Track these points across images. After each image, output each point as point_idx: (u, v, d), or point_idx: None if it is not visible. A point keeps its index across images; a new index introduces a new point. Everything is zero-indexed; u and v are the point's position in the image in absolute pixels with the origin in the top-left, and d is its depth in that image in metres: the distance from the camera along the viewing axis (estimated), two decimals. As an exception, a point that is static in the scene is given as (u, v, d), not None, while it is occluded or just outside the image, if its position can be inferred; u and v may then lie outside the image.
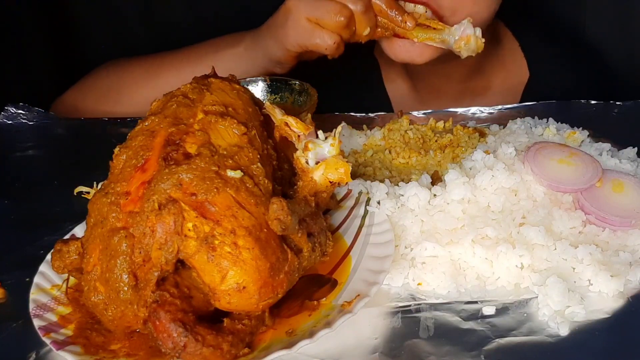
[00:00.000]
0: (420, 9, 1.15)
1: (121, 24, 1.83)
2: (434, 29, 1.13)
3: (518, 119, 1.17)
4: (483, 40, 1.12)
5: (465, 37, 1.11)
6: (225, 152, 0.78)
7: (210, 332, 0.69)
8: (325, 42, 1.11)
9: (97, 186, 1.09)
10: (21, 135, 1.32)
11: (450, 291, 0.84)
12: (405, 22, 1.12)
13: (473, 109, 1.29)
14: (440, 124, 1.23)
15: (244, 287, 0.71)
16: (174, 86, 0.87)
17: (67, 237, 0.89)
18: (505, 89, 1.45)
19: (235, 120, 0.81)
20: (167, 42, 1.86)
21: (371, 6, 1.12)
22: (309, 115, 0.97)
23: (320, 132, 0.86)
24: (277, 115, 0.87)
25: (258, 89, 1.18)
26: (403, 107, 1.46)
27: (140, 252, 0.72)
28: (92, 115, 1.39)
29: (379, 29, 1.14)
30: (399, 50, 1.20)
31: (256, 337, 0.74)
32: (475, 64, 1.41)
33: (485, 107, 1.29)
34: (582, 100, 1.29)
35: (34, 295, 0.82)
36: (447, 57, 1.21)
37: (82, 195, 1.09)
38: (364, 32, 1.12)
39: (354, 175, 1.02)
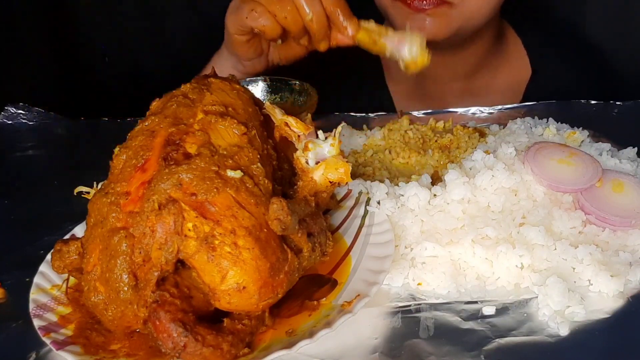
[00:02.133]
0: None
1: (121, 24, 1.83)
2: (379, 46, 1.07)
3: (518, 119, 1.17)
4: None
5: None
6: (225, 152, 0.78)
7: (210, 332, 0.69)
8: (244, 13, 1.07)
9: (97, 186, 1.09)
10: (21, 135, 1.32)
11: (450, 291, 0.84)
12: (347, 28, 1.07)
13: (473, 109, 1.29)
14: (440, 124, 1.23)
15: (244, 287, 0.71)
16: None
17: (67, 237, 0.89)
18: (509, 86, 1.46)
19: (235, 120, 0.81)
20: (167, 42, 1.87)
21: None
22: (309, 115, 0.97)
23: (320, 132, 0.86)
24: (277, 115, 0.87)
25: (258, 89, 1.18)
26: (406, 105, 1.46)
27: (140, 252, 0.72)
28: None
29: (339, 36, 1.08)
30: (411, 26, 1.20)
31: (256, 337, 0.74)
32: (481, 60, 1.41)
33: (485, 107, 1.29)
34: (582, 100, 1.29)
35: (34, 295, 0.82)
36: (453, 51, 1.22)
37: (82, 195, 1.09)
38: (306, 16, 1.05)
39: (354, 175, 1.02)
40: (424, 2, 1.19)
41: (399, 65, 1.46)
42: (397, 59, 1.06)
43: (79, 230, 0.92)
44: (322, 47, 1.10)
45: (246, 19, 1.08)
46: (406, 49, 1.03)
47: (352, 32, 1.06)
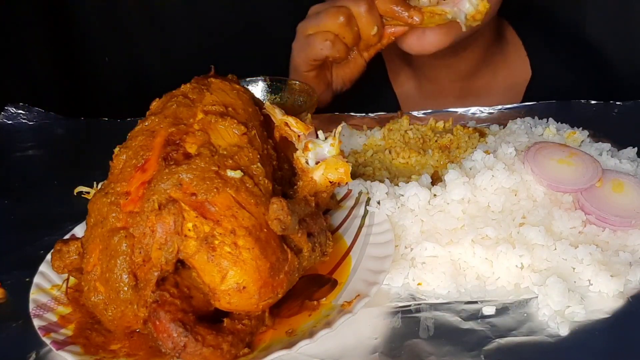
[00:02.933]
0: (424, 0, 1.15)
1: (121, 23, 1.83)
2: (439, 14, 1.13)
3: (518, 119, 1.17)
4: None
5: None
6: (225, 152, 0.78)
7: (210, 332, 0.69)
8: (318, 46, 1.15)
9: (97, 186, 1.09)
10: (21, 135, 1.32)
11: (450, 291, 0.84)
12: (413, 18, 1.12)
13: (473, 109, 1.29)
14: (440, 124, 1.23)
15: (244, 287, 0.71)
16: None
17: (67, 237, 0.89)
18: (509, 86, 1.46)
19: (235, 120, 0.81)
20: (167, 40, 1.86)
21: (374, 6, 1.13)
22: (309, 115, 0.97)
23: (320, 132, 0.86)
24: (277, 115, 0.87)
25: (258, 89, 1.18)
26: (410, 103, 1.46)
27: (140, 252, 0.72)
28: None
29: (390, 29, 1.16)
30: (410, 41, 1.21)
31: (256, 337, 0.74)
32: (481, 60, 1.41)
33: (485, 107, 1.29)
34: (582, 100, 1.29)
35: (34, 295, 0.82)
36: (454, 50, 1.22)
37: (82, 195, 1.09)
38: (371, 31, 1.14)
39: (354, 175, 1.02)
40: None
41: (402, 62, 1.46)
42: (458, 19, 1.11)
43: (79, 230, 0.92)
44: (374, 50, 1.20)
45: (321, 50, 1.16)
46: (467, 3, 1.11)
47: (418, 19, 1.12)
